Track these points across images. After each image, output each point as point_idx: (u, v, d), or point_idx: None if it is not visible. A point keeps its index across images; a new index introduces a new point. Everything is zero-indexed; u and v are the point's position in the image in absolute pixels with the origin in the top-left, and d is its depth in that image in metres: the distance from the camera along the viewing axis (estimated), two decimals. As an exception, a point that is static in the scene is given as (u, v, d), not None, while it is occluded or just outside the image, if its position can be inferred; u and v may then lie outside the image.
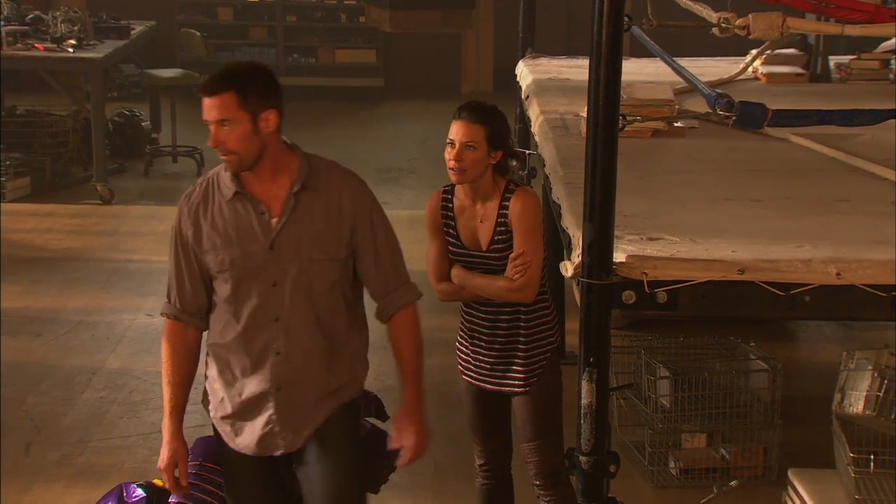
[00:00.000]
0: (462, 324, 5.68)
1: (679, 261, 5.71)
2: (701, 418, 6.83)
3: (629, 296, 5.59)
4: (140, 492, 5.61)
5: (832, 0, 8.03)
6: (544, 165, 7.42)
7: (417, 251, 10.65)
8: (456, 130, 5.24)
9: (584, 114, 5.86)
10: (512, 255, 5.23)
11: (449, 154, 5.23)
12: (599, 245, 5.34)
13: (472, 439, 5.79)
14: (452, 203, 5.48)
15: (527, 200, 5.33)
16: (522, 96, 9.79)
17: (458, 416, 5.57)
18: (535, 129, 8.57)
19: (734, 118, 6.34)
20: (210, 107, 4.69)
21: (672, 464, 6.85)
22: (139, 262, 10.53)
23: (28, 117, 13.14)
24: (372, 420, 6.04)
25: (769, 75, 9.75)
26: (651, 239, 5.95)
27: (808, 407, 7.14)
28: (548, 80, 9.62)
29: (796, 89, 9.40)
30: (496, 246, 5.34)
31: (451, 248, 5.51)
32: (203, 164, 13.32)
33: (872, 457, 6.05)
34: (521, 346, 5.47)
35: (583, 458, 5.43)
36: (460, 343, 5.72)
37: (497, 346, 5.50)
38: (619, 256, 5.60)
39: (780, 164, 7.53)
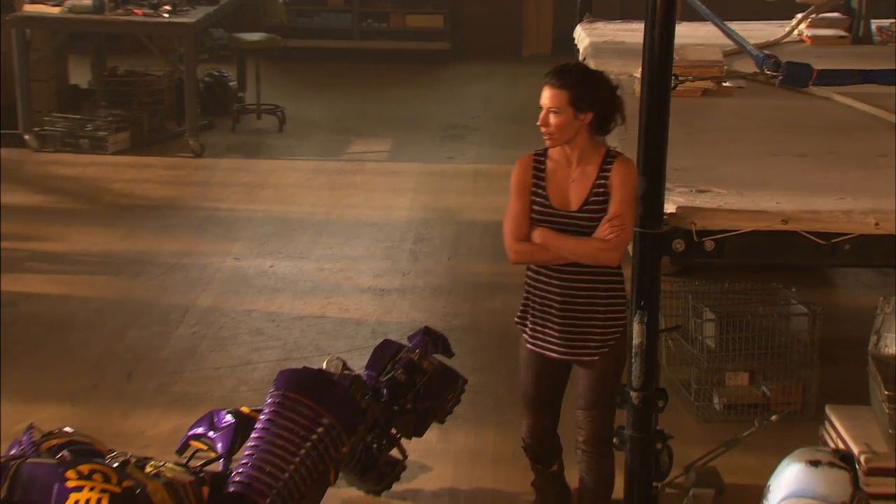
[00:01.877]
0: (529, 292, 5.25)
1: (726, 212, 5.67)
2: (744, 358, 6.77)
3: (679, 244, 5.57)
4: (229, 417, 5.63)
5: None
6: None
7: (480, 203, 10.73)
8: (543, 95, 4.99)
9: (639, 74, 5.82)
10: (608, 217, 4.98)
11: (539, 119, 5.00)
12: (652, 197, 5.31)
13: (523, 414, 5.47)
14: (545, 165, 5.13)
15: (630, 169, 5.06)
16: (580, 58, 9.72)
17: (517, 355, 5.32)
18: (593, 88, 8.52)
19: (781, 78, 6.27)
20: None
21: (716, 400, 6.81)
22: (227, 211, 10.55)
23: (128, 77, 13.19)
24: (439, 356, 6.04)
25: (814, 38, 9.72)
26: (700, 191, 5.91)
27: (845, 348, 7.07)
28: (604, 43, 9.57)
29: (840, 51, 9.34)
30: (589, 207, 5.02)
31: (537, 208, 5.11)
32: (284, 122, 13.28)
33: (908, 394, 6.04)
34: (598, 315, 5.12)
35: (634, 394, 5.43)
36: (526, 310, 5.28)
37: (572, 314, 5.11)
38: (669, 207, 5.57)
39: (823, 122, 7.47)
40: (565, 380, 5.36)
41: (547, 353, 5.18)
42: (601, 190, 4.98)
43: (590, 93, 4.92)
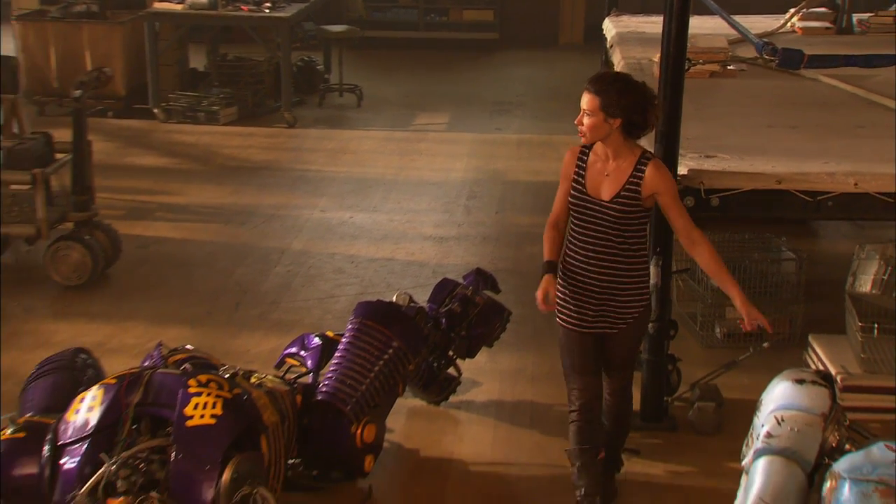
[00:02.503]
0: (565, 278, 4.87)
1: (729, 174, 5.65)
2: (741, 295, 6.71)
3: (689, 200, 5.57)
4: (317, 340, 5.67)
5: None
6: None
7: (522, 166, 10.69)
8: (582, 98, 4.64)
9: (657, 59, 5.79)
10: (684, 234, 4.74)
11: (577, 118, 4.69)
12: (667, 161, 5.29)
13: (572, 382, 4.97)
14: (587, 157, 4.76)
15: (665, 170, 4.75)
16: (608, 46, 9.71)
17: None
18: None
19: (777, 61, 6.21)
20: None
21: (717, 329, 6.77)
22: (314, 172, 10.55)
23: (235, 62, 13.22)
24: (488, 292, 6.04)
25: (804, 28, 9.65)
26: (707, 156, 5.89)
27: (826, 288, 7.00)
28: (627, 33, 9.49)
29: (826, 40, 9.24)
30: (620, 200, 4.65)
31: (575, 194, 4.77)
32: (362, 99, 13.26)
33: (876, 325, 6.03)
34: (626, 295, 4.78)
35: (650, 325, 5.40)
36: (562, 292, 4.87)
37: (606, 295, 4.77)
38: (682, 170, 5.57)
39: (812, 99, 7.42)
40: (600, 346, 4.97)
41: (583, 329, 4.83)
42: (633, 187, 4.65)
43: (618, 100, 4.55)
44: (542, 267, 4.85)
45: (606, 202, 4.67)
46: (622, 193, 4.65)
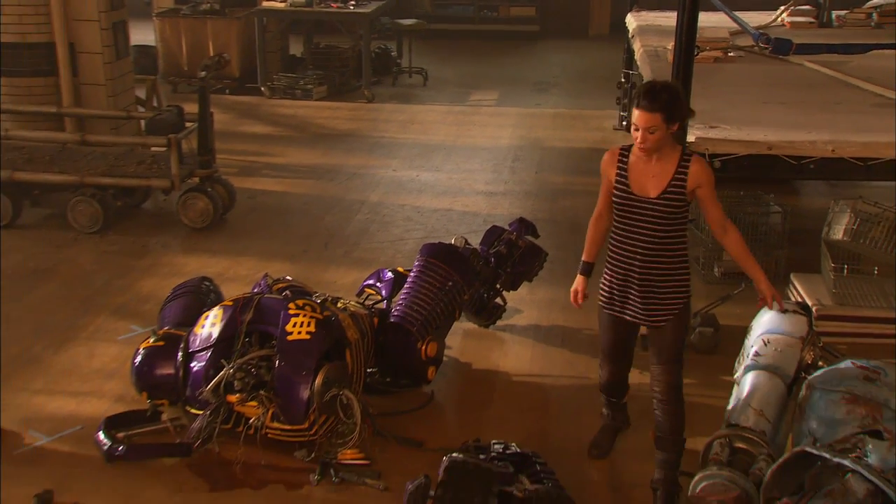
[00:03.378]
0: (611, 265, 4.33)
1: (729, 141, 5.60)
2: (736, 241, 6.64)
3: (696, 163, 5.46)
4: (390, 274, 5.69)
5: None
6: (643, 80, 7.23)
7: (558, 135, 10.61)
8: (638, 117, 4.02)
9: (670, 47, 5.70)
10: (716, 223, 4.26)
11: (635, 136, 4.06)
12: (679, 131, 5.16)
13: (603, 363, 4.63)
14: (628, 159, 4.19)
15: (706, 165, 4.19)
16: (629, 36, 9.56)
17: (582, 239, 4.96)
18: (637, 57, 8.45)
19: (770, 49, 6.16)
20: None
21: (716, 269, 6.68)
22: (388, 138, 10.52)
23: (326, 49, 13.17)
24: (529, 237, 6.03)
25: (791, 23, 9.45)
26: (711, 127, 5.83)
27: (806, 236, 6.89)
28: (646, 26, 9.36)
29: (810, 32, 9.08)
30: (667, 196, 4.09)
31: (619, 194, 4.19)
32: (427, 79, 13.21)
33: (846, 266, 5.99)
34: (670, 287, 4.23)
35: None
36: (608, 281, 4.36)
37: (649, 285, 4.23)
38: (690, 138, 5.52)
39: (798, 80, 7.30)
40: (636, 334, 4.57)
41: (626, 316, 4.34)
42: (679, 183, 4.08)
43: (678, 110, 4.04)
44: (580, 266, 4.54)
45: (654, 199, 4.11)
46: (669, 190, 4.10)
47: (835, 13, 9.69)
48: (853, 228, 5.99)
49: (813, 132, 5.74)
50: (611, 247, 4.34)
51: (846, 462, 3.73)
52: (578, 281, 4.54)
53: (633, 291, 4.27)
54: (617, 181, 4.22)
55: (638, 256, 4.20)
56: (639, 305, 4.28)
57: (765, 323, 4.82)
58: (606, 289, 4.37)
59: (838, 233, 6.05)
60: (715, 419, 4.59)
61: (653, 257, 4.19)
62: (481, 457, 4.27)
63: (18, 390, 5.28)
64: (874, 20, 9.28)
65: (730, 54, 7.95)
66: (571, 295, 4.54)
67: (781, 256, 6.69)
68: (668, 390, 4.34)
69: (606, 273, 4.38)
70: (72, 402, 5.17)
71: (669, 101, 4.01)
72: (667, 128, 4.02)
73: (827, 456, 3.80)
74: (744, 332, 4.96)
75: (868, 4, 9.60)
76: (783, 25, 9.43)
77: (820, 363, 4.53)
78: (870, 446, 3.76)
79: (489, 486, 4.06)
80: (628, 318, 4.35)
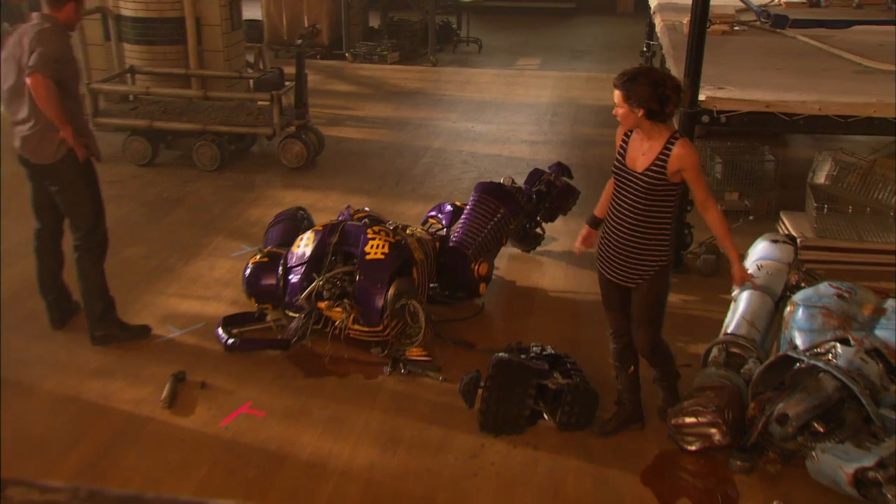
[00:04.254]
0: (604, 232, 3.99)
1: (734, 100, 5.47)
2: (736, 184, 6.48)
3: (706, 118, 5.40)
4: (449, 207, 5.68)
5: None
6: (662, 49, 7.05)
7: (590, 95, 10.41)
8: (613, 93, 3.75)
9: (686, 21, 5.51)
10: (700, 201, 3.84)
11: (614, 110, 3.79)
12: (691, 90, 5.13)
13: (606, 316, 4.13)
14: (630, 135, 3.83)
15: (690, 149, 3.72)
16: (651, 13, 9.27)
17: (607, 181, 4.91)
18: (658, 30, 8.19)
19: (770, 23, 5.98)
20: None
21: (720, 206, 6.54)
22: (448, 96, 10.40)
23: (398, 22, 12.99)
24: (565, 178, 5.96)
25: (787, 3, 9.02)
26: (719, 88, 5.68)
27: (795, 180, 6.71)
28: (666, 3, 9.09)
29: (802, 11, 8.69)
30: (649, 173, 3.70)
31: (617, 164, 3.86)
32: (481, 47, 13.00)
33: (826, 206, 5.86)
34: (644, 253, 3.82)
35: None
36: (600, 241, 4.02)
37: (626, 251, 3.86)
38: (701, 96, 5.37)
39: (792, 50, 7.07)
40: (625, 293, 4.01)
41: (606, 274, 3.98)
42: (661, 162, 3.69)
43: (636, 94, 3.63)
44: (589, 217, 4.20)
45: (639, 173, 3.76)
46: (651, 167, 3.73)
47: None
48: (833, 174, 5.94)
49: (803, 94, 5.60)
50: (608, 210, 3.98)
51: (820, 364, 3.74)
52: (583, 230, 4.18)
53: (613, 253, 3.90)
54: (618, 152, 3.91)
55: (622, 222, 3.83)
56: (617, 266, 3.90)
57: (758, 251, 4.75)
58: (599, 248, 4.02)
59: (821, 178, 5.99)
60: (714, 329, 4.54)
61: (634, 225, 3.80)
62: (522, 357, 4.29)
63: (157, 293, 5.41)
64: (855, 1, 8.89)
65: (736, 28, 7.70)
66: (577, 242, 4.19)
67: (773, 197, 6.54)
68: (643, 348, 4.01)
69: (601, 234, 4.06)
70: (197, 305, 5.29)
71: (627, 83, 3.65)
72: (629, 108, 3.67)
73: (805, 359, 3.81)
74: (740, 259, 4.88)
75: None
76: (780, 5, 9.10)
77: (802, 284, 4.46)
78: (839, 351, 3.77)
79: (528, 380, 4.10)
80: (609, 276, 3.96)
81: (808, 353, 3.82)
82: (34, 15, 4.43)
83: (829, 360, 3.72)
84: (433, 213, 5.75)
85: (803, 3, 9.08)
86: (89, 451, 3.93)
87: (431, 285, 5.17)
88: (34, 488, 0.60)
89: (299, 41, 7.59)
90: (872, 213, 5.82)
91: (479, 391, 4.13)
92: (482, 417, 4.08)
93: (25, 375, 4.49)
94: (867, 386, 3.61)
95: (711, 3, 5.56)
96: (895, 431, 3.52)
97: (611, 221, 3.91)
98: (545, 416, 4.13)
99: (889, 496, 3.36)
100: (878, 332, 3.88)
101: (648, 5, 9.71)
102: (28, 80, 4.23)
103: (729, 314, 4.44)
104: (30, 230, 4.89)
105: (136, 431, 4.08)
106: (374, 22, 13.56)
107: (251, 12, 12.56)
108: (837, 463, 3.50)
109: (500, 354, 4.20)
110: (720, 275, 5.53)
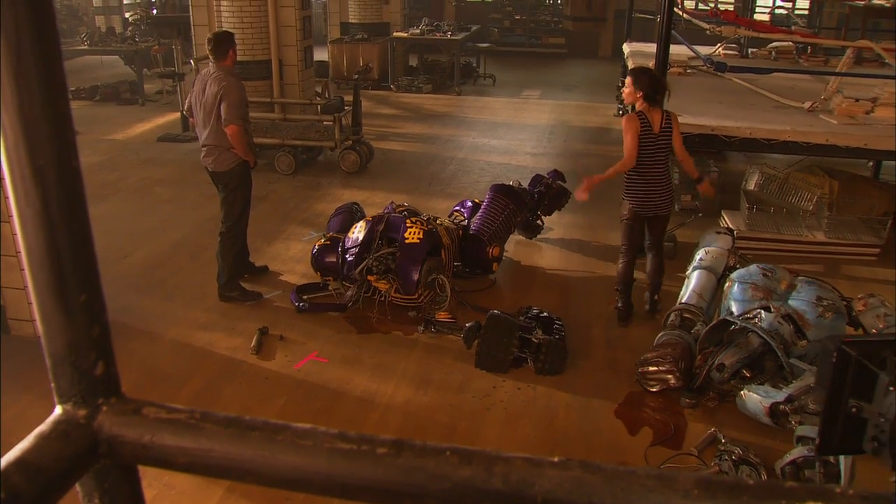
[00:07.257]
0: (633, 180, 4.40)
1: (688, 124, 5.37)
2: (689, 189, 6.35)
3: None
4: (469, 203, 5.63)
5: (755, 25, 7.41)
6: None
7: (579, 118, 10.26)
8: (625, 80, 4.32)
9: (651, 64, 5.42)
10: (678, 149, 4.34)
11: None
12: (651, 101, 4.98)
13: (624, 243, 4.57)
14: (644, 115, 4.26)
15: (675, 116, 4.37)
16: (625, 57, 9.13)
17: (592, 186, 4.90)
18: (629, 70, 8.05)
19: (714, 68, 5.87)
20: None
21: (676, 206, 6.35)
22: (470, 118, 10.32)
23: (431, 61, 12.91)
24: (559, 182, 5.92)
25: (725, 53, 8.88)
26: (678, 116, 5.52)
27: (732, 187, 6.61)
28: (636, 50, 8.97)
29: (736, 59, 8.54)
30: (664, 132, 4.25)
31: (644, 131, 4.27)
32: (495, 82, 12.89)
33: (755, 207, 5.80)
34: (670, 190, 4.43)
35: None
36: (636, 190, 4.41)
37: (660, 189, 4.38)
38: (663, 121, 5.24)
39: (729, 89, 6.94)
40: (645, 229, 4.54)
41: (647, 213, 4.39)
42: (667, 124, 4.26)
43: (639, 81, 4.20)
44: (601, 171, 4.42)
45: (658, 133, 4.24)
46: (663, 128, 4.25)
47: (750, 49, 9.28)
48: (760, 183, 5.90)
49: (738, 121, 5.51)
50: (635, 175, 4.30)
51: (748, 325, 3.74)
52: (587, 181, 4.28)
53: (658, 191, 4.31)
54: (643, 126, 4.24)
55: (656, 170, 4.28)
56: (661, 200, 4.34)
57: (707, 240, 4.70)
58: (642, 198, 4.32)
59: (751, 185, 5.93)
60: (672, 300, 4.52)
61: (662, 169, 4.30)
62: (520, 318, 4.29)
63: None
64: (773, 55, 8.87)
65: (688, 71, 7.62)
66: (585, 182, 4.29)
67: (717, 199, 6.45)
68: (660, 245, 4.52)
69: (635, 193, 4.33)
70: (276, 276, 5.34)
71: (636, 74, 4.26)
72: (633, 90, 4.20)
73: (738, 322, 3.80)
74: (693, 246, 4.84)
75: (769, 46, 9.08)
76: (720, 55, 8.97)
77: (738, 266, 4.42)
78: (763, 316, 3.78)
79: (514, 332, 4.11)
80: (649, 214, 4.34)
81: (740, 318, 3.81)
82: (210, 65, 4.65)
83: (755, 322, 3.73)
84: (457, 208, 5.73)
85: (736, 54, 9.05)
86: (199, 384, 4.01)
87: (455, 264, 5.17)
88: (162, 409, 0.63)
89: (356, 76, 7.61)
90: (788, 213, 5.80)
91: (477, 341, 4.15)
92: (477, 358, 4.12)
93: (154, 327, 4.57)
94: (782, 342, 3.62)
95: (671, 52, 5.50)
96: (800, 376, 3.52)
97: (652, 173, 4.28)
98: (528, 362, 4.14)
99: (793, 423, 3.39)
100: (791, 302, 3.87)
101: (623, 52, 9.56)
102: (227, 131, 4.55)
103: (683, 288, 4.41)
104: (153, 220, 4.94)
105: (232, 371, 4.14)
106: (413, 61, 13.50)
107: (320, 55, 12.57)
108: (758, 399, 3.54)
109: (494, 311, 4.22)
110: (678, 257, 5.49)
